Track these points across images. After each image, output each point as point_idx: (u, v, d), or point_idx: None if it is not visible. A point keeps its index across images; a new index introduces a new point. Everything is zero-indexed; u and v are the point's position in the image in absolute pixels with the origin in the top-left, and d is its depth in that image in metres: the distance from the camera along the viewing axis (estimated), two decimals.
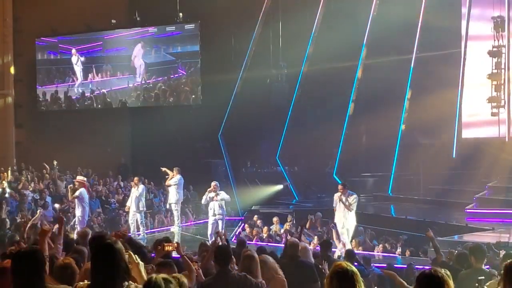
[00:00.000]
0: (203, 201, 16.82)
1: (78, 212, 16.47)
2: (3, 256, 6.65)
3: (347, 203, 14.57)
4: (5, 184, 19.65)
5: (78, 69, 25.80)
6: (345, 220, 14.66)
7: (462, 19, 21.11)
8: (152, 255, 7.56)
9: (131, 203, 17.42)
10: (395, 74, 21.38)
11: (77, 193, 16.40)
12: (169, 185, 18.26)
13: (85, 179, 17.92)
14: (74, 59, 25.82)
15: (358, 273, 4.03)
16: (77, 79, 25.92)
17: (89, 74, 25.67)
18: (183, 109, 24.16)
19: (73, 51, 25.75)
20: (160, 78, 24.44)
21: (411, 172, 21.56)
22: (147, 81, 24.67)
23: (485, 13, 20.78)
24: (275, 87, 23.99)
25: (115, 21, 25.06)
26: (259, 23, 23.28)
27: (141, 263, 4.60)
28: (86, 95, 25.58)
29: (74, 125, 24.84)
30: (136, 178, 18.04)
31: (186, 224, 19.82)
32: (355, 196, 14.86)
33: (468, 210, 17.45)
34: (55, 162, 22.05)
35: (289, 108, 22.80)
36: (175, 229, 18.18)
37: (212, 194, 16.19)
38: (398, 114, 21.51)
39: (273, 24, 23.47)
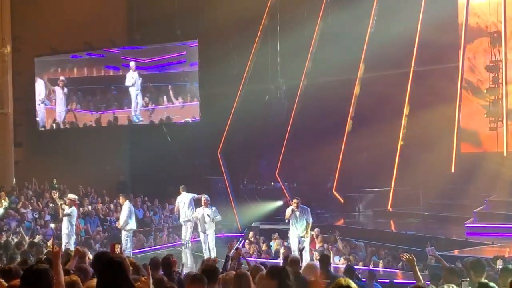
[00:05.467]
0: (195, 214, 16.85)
1: (65, 229, 16.43)
2: (2, 271, 6.66)
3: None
4: (5, 204, 19.62)
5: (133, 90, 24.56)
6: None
7: (459, 34, 21.22)
8: None
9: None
10: (393, 89, 21.47)
11: (68, 211, 16.36)
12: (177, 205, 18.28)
13: (76, 197, 17.82)
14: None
15: None
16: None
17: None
18: (182, 126, 24.20)
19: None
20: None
21: (410, 187, 21.58)
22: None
23: (482, 28, 20.92)
24: (274, 103, 24.05)
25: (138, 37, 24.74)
26: (258, 39, 23.40)
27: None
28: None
29: (73, 144, 24.79)
30: (120, 196, 17.87)
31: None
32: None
33: (467, 225, 17.45)
34: (54, 181, 22.06)
35: (288, 124, 22.86)
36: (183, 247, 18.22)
37: (205, 210, 16.21)
38: (397, 128, 21.59)
39: (272, 40, 23.55)
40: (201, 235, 16.57)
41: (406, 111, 21.62)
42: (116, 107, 24.86)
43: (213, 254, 15.50)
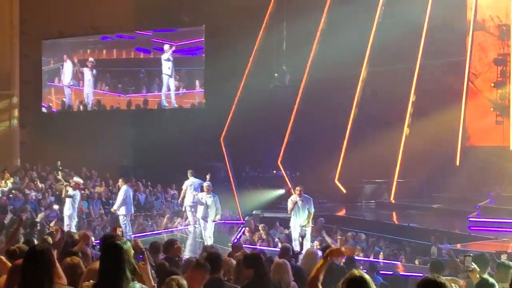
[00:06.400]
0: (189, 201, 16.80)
1: (66, 211, 16.50)
2: (8, 252, 6.69)
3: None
4: (9, 184, 19.67)
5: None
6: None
7: (467, 27, 21.10)
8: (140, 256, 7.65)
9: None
10: (399, 80, 21.38)
11: (71, 193, 16.43)
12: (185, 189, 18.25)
13: (81, 181, 17.88)
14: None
15: (370, 281, 4.07)
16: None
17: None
18: (185, 112, 24.19)
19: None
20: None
21: (414, 179, 21.53)
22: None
23: (490, 21, 20.79)
24: (278, 91, 24.00)
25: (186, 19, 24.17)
26: (263, 28, 23.31)
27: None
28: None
29: (77, 127, 24.84)
30: (120, 180, 17.87)
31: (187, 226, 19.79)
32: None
33: (471, 219, 17.40)
34: (58, 163, 22.07)
35: (291, 112, 22.80)
36: (191, 228, 18.17)
37: (207, 197, 16.15)
38: (402, 120, 21.51)
39: (277, 29, 23.48)
40: (201, 221, 16.53)
41: (411, 103, 21.53)
42: (145, 91, 24.62)
43: (209, 242, 15.39)
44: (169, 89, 24.15)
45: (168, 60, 23.99)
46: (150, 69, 24.47)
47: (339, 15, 21.99)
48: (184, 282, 4.72)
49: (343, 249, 4.81)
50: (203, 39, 23.48)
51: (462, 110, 20.87)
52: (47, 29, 25.21)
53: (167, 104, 24.21)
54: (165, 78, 24.10)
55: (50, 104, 26.14)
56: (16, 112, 25.53)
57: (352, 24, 21.67)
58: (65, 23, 24.96)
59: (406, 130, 21.58)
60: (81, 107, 25.48)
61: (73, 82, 25.55)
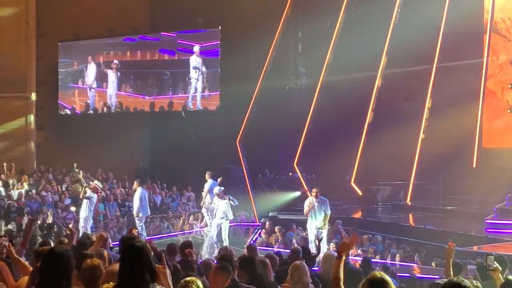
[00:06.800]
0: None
1: (83, 213, 16.63)
2: (36, 253, 6.75)
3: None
4: (26, 186, 19.79)
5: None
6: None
7: (484, 28, 21.00)
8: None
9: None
10: (415, 82, 21.30)
11: (89, 194, 16.55)
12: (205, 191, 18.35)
13: (101, 186, 17.99)
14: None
15: (390, 283, 4.09)
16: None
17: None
18: (201, 114, 24.22)
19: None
20: None
21: (430, 181, 21.42)
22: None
23: (502, 23, 20.68)
24: (294, 93, 23.99)
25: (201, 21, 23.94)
26: (279, 29, 23.29)
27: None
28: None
29: (94, 129, 24.95)
30: (135, 182, 17.96)
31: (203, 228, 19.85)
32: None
33: (488, 221, 17.27)
34: (75, 165, 22.17)
35: (307, 114, 22.77)
36: (207, 230, 18.24)
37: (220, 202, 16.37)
38: (418, 122, 21.42)
39: (293, 31, 23.46)
40: (214, 224, 16.64)
41: (428, 104, 21.43)
42: (171, 93, 24.52)
43: (225, 244, 15.54)
44: (196, 91, 24.03)
45: (196, 61, 23.82)
46: (175, 71, 24.39)
47: (356, 16, 21.96)
48: (200, 283, 4.74)
49: (347, 241, 4.82)
50: (218, 41, 23.48)
51: (479, 112, 20.75)
52: (63, 31, 25.34)
53: (192, 106, 24.11)
54: (193, 80, 23.98)
55: (74, 105, 26.14)
56: (32, 114, 25.64)
57: (368, 25, 21.64)
58: (81, 25, 25.09)
59: (422, 132, 21.47)
60: (105, 109, 25.52)
61: (96, 84, 25.63)
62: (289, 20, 23.40)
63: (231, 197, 16.70)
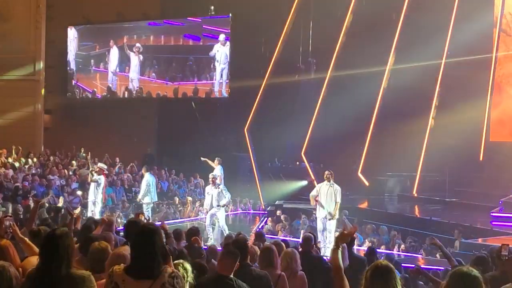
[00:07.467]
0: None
1: (91, 197, 16.71)
2: (31, 233, 6.79)
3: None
4: (30, 162, 19.81)
5: None
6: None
7: (493, 23, 20.91)
8: None
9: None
10: (424, 75, 21.22)
11: (96, 177, 16.63)
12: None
13: (105, 167, 18.11)
14: None
15: (394, 270, 4.11)
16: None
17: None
18: (210, 101, 24.23)
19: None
20: None
21: (437, 173, 21.41)
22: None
23: (503, 18, 20.61)
24: (303, 82, 23.95)
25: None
26: (290, 18, 23.23)
27: None
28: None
29: (101, 114, 25.01)
30: (143, 168, 17.97)
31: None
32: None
33: (493, 214, 17.25)
34: (82, 149, 22.28)
35: (316, 104, 22.75)
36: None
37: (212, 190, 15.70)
38: (426, 115, 21.38)
39: (304, 19, 23.38)
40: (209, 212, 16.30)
41: (436, 99, 21.40)
42: (195, 79, 24.27)
43: (225, 233, 15.21)
44: (221, 77, 23.79)
45: (219, 50, 23.57)
46: (199, 57, 24.10)
47: (366, 7, 21.88)
48: (188, 265, 4.96)
49: (345, 232, 4.83)
50: (229, 29, 23.42)
51: (487, 106, 20.70)
52: (73, 14, 25.38)
53: (217, 93, 23.92)
54: (218, 66, 23.70)
55: (95, 89, 26.04)
56: (40, 98, 25.70)
57: (378, 17, 21.55)
58: (91, 10, 25.12)
59: (430, 124, 21.44)
60: (126, 94, 25.38)
61: (119, 68, 25.49)
62: (300, 9, 23.31)
63: (224, 189, 16.11)
